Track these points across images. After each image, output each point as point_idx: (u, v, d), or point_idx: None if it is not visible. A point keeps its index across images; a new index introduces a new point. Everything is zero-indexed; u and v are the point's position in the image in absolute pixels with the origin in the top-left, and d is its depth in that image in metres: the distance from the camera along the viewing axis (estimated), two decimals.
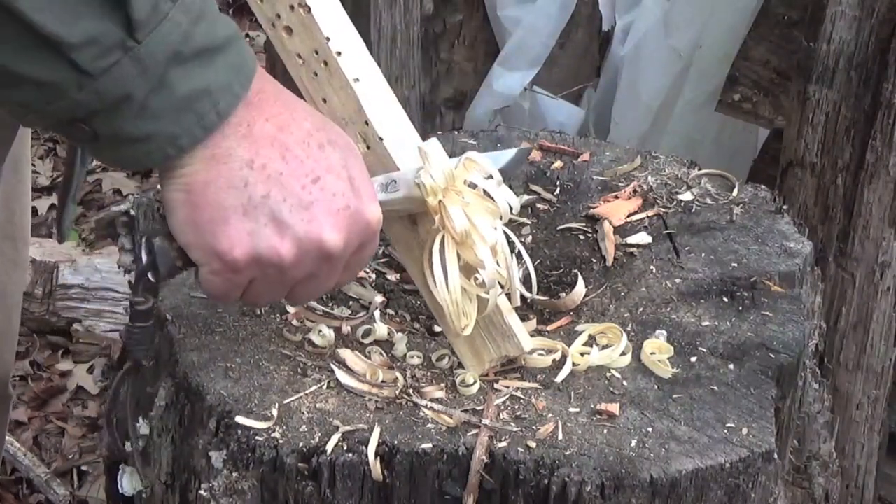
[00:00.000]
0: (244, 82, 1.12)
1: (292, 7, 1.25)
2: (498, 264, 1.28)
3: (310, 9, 1.24)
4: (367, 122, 1.28)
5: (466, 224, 1.25)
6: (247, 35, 4.78)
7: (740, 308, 1.45)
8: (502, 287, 1.30)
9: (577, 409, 1.29)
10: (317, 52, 1.26)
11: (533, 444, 1.23)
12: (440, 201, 1.26)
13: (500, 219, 1.28)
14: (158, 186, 1.21)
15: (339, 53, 1.26)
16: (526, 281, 1.35)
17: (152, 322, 1.24)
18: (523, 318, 1.37)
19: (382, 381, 1.32)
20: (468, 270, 1.28)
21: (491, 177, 1.28)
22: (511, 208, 1.28)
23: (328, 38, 1.26)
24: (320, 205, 1.16)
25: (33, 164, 3.63)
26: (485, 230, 1.25)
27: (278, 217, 1.15)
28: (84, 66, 1.03)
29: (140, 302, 1.22)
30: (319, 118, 1.20)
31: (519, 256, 1.33)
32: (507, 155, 1.38)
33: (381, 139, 1.28)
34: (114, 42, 1.04)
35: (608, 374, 1.35)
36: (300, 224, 1.15)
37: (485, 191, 1.27)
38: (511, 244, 1.31)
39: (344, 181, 1.18)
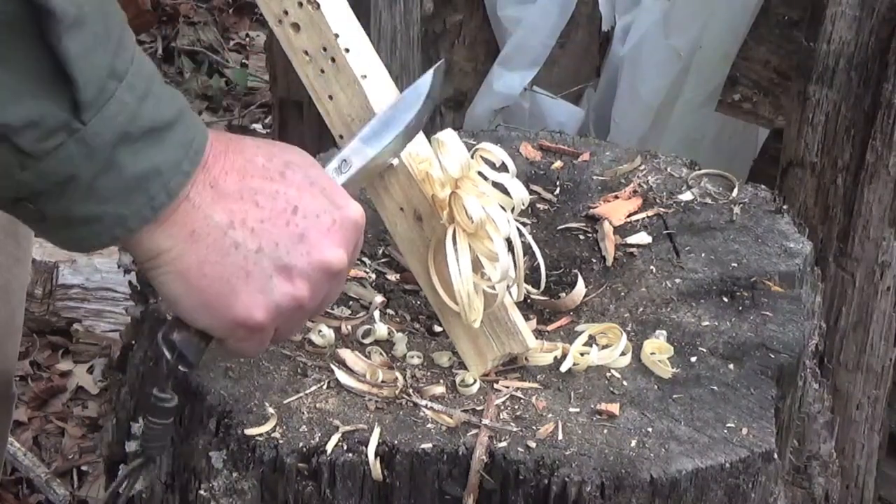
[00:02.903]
0: (194, 158, 1.09)
1: (301, 4, 1.25)
2: (513, 256, 1.28)
3: (319, 5, 1.24)
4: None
5: (482, 214, 1.24)
6: (246, 35, 4.79)
7: (740, 308, 1.45)
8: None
9: (577, 409, 1.29)
10: (325, 49, 1.26)
11: (533, 444, 1.23)
12: (453, 192, 1.26)
13: (512, 211, 1.28)
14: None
15: (347, 50, 1.26)
16: (534, 273, 1.36)
17: (173, 419, 1.20)
18: (524, 318, 1.37)
19: (382, 381, 1.32)
20: (473, 266, 1.28)
21: (505, 168, 1.28)
22: (523, 200, 1.28)
23: (337, 35, 1.26)
24: (311, 232, 1.14)
25: None
26: (499, 221, 1.25)
27: (280, 263, 1.13)
28: (25, 148, 0.99)
29: (166, 399, 1.18)
30: (265, 146, 1.17)
31: (528, 249, 1.33)
32: (424, 83, 1.30)
33: None
34: (57, 124, 1.00)
35: (608, 374, 1.35)
36: (302, 259, 1.14)
37: (494, 182, 1.28)
38: (520, 237, 1.31)
39: (318, 196, 1.16)
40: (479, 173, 1.28)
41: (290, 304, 1.14)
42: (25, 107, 0.98)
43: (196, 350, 1.16)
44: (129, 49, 1.04)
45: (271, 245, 1.13)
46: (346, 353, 1.35)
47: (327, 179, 1.19)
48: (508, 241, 1.27)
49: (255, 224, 1.12)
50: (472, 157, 1.28)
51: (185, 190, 1.09)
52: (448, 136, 1.26)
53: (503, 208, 1.28)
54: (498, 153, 1.28)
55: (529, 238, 1.34)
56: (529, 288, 1.42)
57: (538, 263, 1.37)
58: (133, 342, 1.51)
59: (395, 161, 1.28)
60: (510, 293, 1.34)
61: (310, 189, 1.16)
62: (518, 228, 1.30)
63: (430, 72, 1.30)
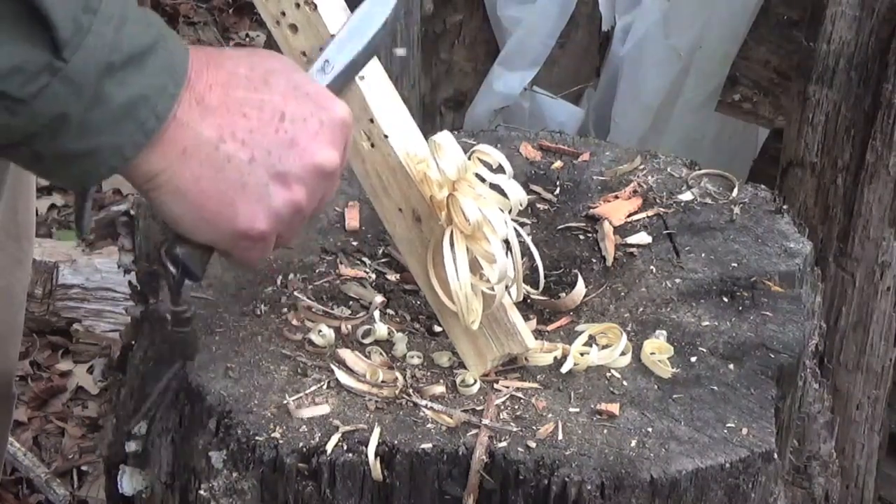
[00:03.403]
0: (178, 80, 1.10)
1: (298, 5, 1.25)
2: (512, 258, 1.28)
3: (316, 6, 1.25)
4: (371, 120, 1.28)
5: (479, 216, 1.25)
6: (246, 35, 4.78)
7: (740, 308, 1.45)
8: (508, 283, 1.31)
9: (577, 409, 1.29)
10: (321, 50, 1.26)
11: (533, 444, 1.23)
12: (450, 194, 1.26)
13: (510, 212, 1.28)
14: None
15: None
16: (534, 273, 1.36)
17: (192, 325, 1.24)
18: (524, 319, 1.37)
19: (382, 381, 1.32)
20: (472, 266, 1.28)
21: (501, 169, 1.28)
22: (521, 202, 1.29)
23: (334, 36, 1.26)
24: (300, 136, 1.16)
25: None
26: (496, 223, 1.25)
27: (274, 171, 1.14)
28: (12, 93, 1.00)
29: (184, 310, 1.21)
30: (246, 55, 1.18)
31: (526, 250, 1.33)
32: (383, 6, 1.28)
33: (385, 136, 1.29)
34: (40, 66, 1.01)
35: (608, 374, 1.35)
36: (295, 163, 1.15)
37: (491, 184, 1.28)
38: (518, 238, 1.31)
39: (304, 100, 1.17)
40: (477, 175, 1.28)
41: (289, 209, 1.16)
42: (6, 54, 0.99)
43: (200, 262, 1.19)
44: None
45: (263, 154, 1.14)
46: (346, 353, 1.35)
47: (311, 83, 1.20)
48: (506, 243, 1.27)
49: (245, 135, 1.13)
50: (469, 158, 1.28)
51: (172, 111, 1.10)
52: (444, 138, 1.26)
53: (501, 210, 1.28)
54: (495, 155, 1.28)
55: (527, 239, 1.34)
56: (529, 288, 1.42)
57: (537, 264, 1.37)
58: (133, 342, 1.51)
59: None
60: (509, 294, 1.34)
61: (294, 94, 1.17)
62: (516, 229, 1.30)
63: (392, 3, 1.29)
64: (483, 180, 1.28)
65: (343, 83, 1.26)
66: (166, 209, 1.14)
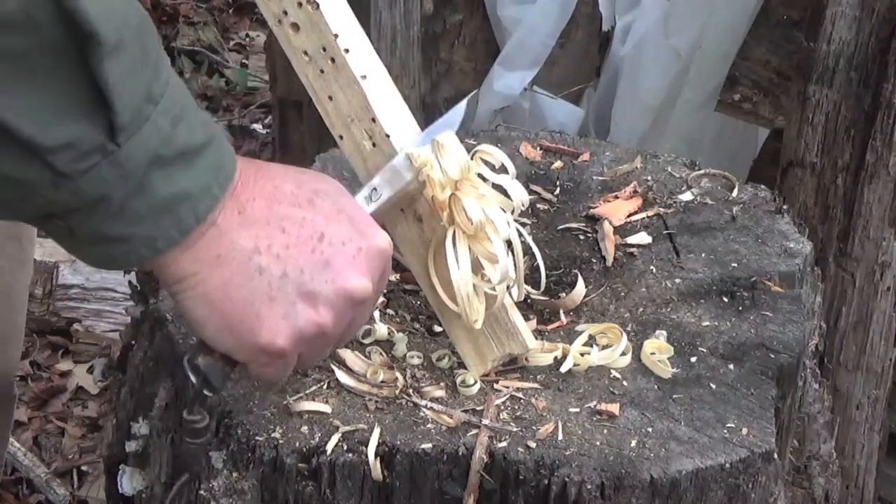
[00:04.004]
0: (223, 183, 1.10)
1: (300, 4, 1.25)
2: (513, 257, 1.28)
3: (318, 5, 1.24)
4: (373, 119, 1.28)
5: (482, 216, 1.25)
6: (246, 35, 4.78)
7: (740, 308, 1.45)
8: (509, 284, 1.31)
9: (577, 409, 1.29)
10: (324, 49, 1.26)
11: (533, 444, 1.23)
12: (453, 194, 1.26)
13: (512, 212, 1.29)
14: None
15: (346, 50, 1.26)
16: (534, 273, 1.36)
17: (208, 436, 1.22)
18: (524, 319, 1.37)
19: (382, 381, 1.32)
20: (474, 266, 1.28)
21: (504, 169, 1.28)
22: (523, 202, 1.29)
23: (336, 35, 1.26)
24: (336, 259, 1.14)
25: None
26: (499, 223, 1.25)
27: (304, 290, 1.13)
28: (60, 168, 1.00)
29: (197, 420, 1.19)
30: (295, 173, 1.18)
31: (528, 250, 1.33)
32: (458, 112, 1.33)
33: (387, 136, 1.29)
34: (93, 146, 1.00)
35: (608, 374, 1.35)
36: (326, 287, 1.14)
37: (494, 184, 1.28)
38: (520, 238, 1.31)
39: (345, 224, 1.16)
40: (479, 175, 1.28)
41: (313, 330, 1.15)
42: (64, 129, 0.99)
43: (220, 375, 1.17)
44: (164, 73, 1.05)
45: (296, 271, 1.13)
46: (346, 353, 1.35)
47: (356, 207, 1.20)
48: (508, 243, 1.27)
49: (281, 250, 1.12)
50: (471, 158, 1.28)
51: (213, 214, 1.09)
52: (447, 138, 1.26)
53: (503, 210, 1.28)
54: (497, 155, 1.28)
55: (529, 239, 1.34)
56: (529, 288, 1.43)
57: (538, 264, 1.38)
58: (133, 342, 1.51)
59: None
60: (510, 294, 1.34)
61: (337, 217, 1.16)
62: (517, 229, 1.30)
63: (464, 103, 1.31)
64: (485, 180, 1.28)
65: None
66: (191, 312, 1.13)
